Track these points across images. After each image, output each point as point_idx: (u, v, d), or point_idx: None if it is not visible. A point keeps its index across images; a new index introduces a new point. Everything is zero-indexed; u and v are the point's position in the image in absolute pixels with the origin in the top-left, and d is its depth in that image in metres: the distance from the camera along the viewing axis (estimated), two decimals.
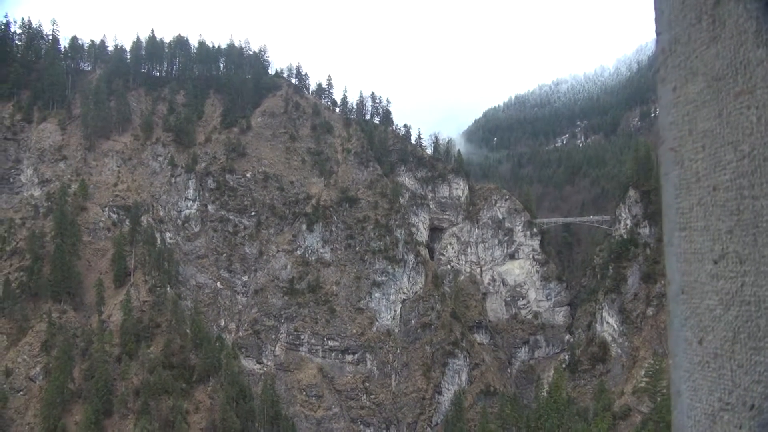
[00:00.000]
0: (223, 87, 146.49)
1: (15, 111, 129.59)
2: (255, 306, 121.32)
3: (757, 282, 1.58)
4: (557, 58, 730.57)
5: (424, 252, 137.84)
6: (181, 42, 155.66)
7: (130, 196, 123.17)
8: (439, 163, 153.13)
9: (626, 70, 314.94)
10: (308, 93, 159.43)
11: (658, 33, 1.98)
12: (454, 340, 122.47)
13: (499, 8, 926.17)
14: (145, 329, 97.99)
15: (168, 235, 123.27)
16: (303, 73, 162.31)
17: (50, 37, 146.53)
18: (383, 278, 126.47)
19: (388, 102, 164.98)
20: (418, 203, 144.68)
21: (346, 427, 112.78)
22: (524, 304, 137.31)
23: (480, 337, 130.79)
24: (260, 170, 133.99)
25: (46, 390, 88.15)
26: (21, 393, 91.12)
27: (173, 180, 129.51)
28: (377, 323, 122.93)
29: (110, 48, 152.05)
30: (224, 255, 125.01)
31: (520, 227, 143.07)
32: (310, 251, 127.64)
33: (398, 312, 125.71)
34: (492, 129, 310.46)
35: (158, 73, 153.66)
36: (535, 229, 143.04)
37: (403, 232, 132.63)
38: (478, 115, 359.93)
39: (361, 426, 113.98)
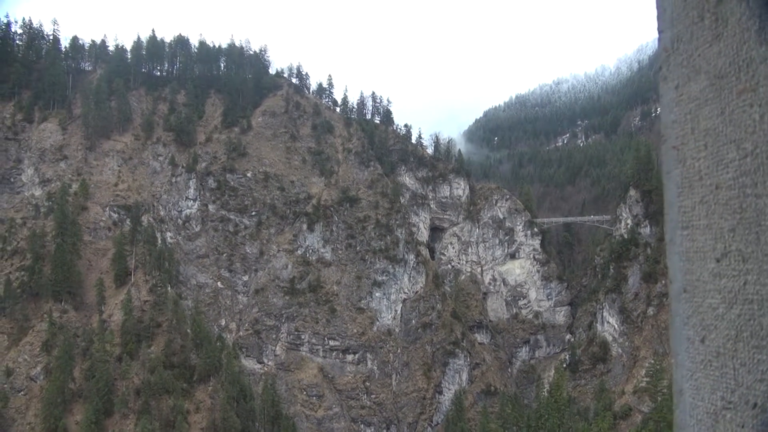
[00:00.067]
0: (223, 87, 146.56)
1: (16, 111, 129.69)
2: (256, 306, 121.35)
3: (760, 280, 1.58)
4: (558, 57, 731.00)
5: (425, 252, 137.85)
6: (181, 42, 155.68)
7: (131, 196, 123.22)
8: (439, 162, 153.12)
9: (627, 69, 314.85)
10: (309, 93, 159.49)
11: (660, 31, 1.97)
12: (454, 339, 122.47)
13: (500, 8, 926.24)
14: (145, 329, 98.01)
15: (169, 234, 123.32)
16: (303, 73, 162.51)
17: (51, 37, 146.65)
18: (384, 278, 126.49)
19: (388, 102, 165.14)
20: (418, 203, 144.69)
21: (347, 426, 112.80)
22: (525, 304, 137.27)
23: (480, 337, 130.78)
24: (261, 170, 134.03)
25: (46, 390, 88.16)
26: (22, 393, 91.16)
27: (174, 180, 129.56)
28: (378, 323, 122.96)
29: (111, 48, 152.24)
30: (225, 255, 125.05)
31: (520, 227, 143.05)
32: (310, 251, 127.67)
33: (399, 312, 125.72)
34: (493, 129, 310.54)
35: (159, 73, 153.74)
36: (535, 229, 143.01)
37: (403, 231, 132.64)
38: (479, 114, 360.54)
39: (362, 426, 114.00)
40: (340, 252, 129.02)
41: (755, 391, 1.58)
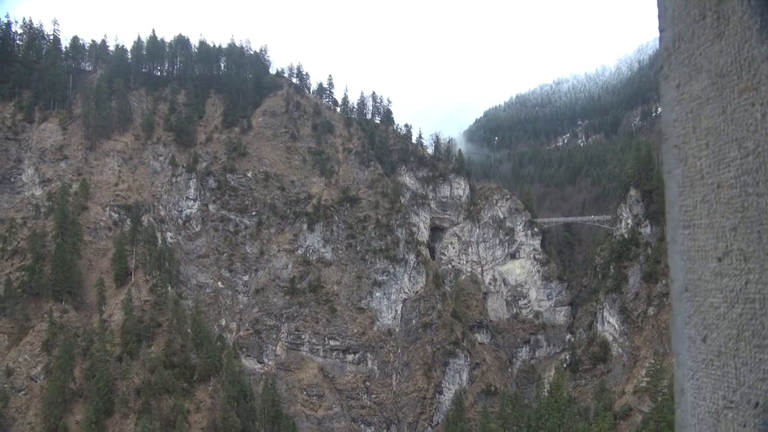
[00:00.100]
0: (224, 87, 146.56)
1: (16, 111, 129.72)
2: (256, 305, 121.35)
3: (762, 279, 1.58)
4: (558, 57, 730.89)
5: (425, 252, 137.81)
6: (182, 42, 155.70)
7: (131, 196, 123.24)
8: (440, 162, 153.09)
9: (627, 69, 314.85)
10: (309, 93, 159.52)
11: (661, 30, 1.97)
12: (455, 339, 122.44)
13: (500, 8, 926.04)
14: (146, 329, 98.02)
15: (169, 234, 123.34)
16: (304, 73, 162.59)
17: (51, 37, 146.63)
18: (384, 278, 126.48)
19: (389, 102, 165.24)
20: (419, 203, 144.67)
21: (347, 426, 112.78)
22: (525, 304, 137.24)
23: (481, 337, 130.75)
24: (261, 170, 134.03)
25: (47, 389, 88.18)
26: (22, 392, 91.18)
27: (174, 179, 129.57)
28: (378, 323, 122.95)
29: (111, 48, 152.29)
30: (225, 254, 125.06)
31: (521, 227, 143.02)
32: (311, 251, 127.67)
33: (399, 311, 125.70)
34: (493, 128, 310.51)
35: (159, 73, 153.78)
36: (536, 229, 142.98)
37: (404, 231, 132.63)
38: (479, 114, 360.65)
39: (362, 425, 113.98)
40: (340, 252, 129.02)
41: (757, 390, 1.58)
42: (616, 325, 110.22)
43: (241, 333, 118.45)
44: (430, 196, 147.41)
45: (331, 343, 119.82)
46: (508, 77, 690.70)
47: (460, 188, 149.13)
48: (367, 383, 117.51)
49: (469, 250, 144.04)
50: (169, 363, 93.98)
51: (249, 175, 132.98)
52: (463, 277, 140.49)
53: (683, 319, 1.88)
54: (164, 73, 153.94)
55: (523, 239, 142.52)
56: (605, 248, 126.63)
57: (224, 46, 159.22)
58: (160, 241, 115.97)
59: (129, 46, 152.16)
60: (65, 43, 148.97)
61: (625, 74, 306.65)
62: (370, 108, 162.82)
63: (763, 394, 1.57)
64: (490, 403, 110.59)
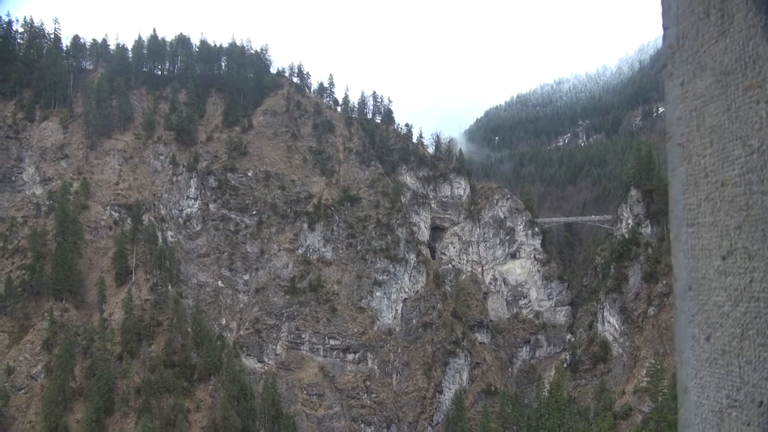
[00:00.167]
0: (224, 86, 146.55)
1: (17, 109, 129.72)
2: (256, 305, 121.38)
3: (766, 278, 1.58)
4: (559, 57, 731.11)
5: (426, 251, 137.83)
6: (182, 41, 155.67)
7: (132, 195, 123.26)
8: (440, 162, 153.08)
9: (628, 69, 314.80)
10: (310, 92, 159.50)
11: (665, 28, 1.98)
12: (455, 339, 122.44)
13: (501, 7, 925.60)
14: (146, 328, 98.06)
15: (169, 233, 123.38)
16: (304, 72, 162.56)
17: (52, 36, 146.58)
18: (384, 277, 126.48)
19: (389, 101, 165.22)
20: (419, 202, 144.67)
21: (347, 426, 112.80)
22: (525, 304, 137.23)
23: (481, 337, 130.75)
24: (262, 169, 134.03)
25: (47, 388, 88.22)
26: (22, 391, 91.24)
27: (175, 179, 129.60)
28: (378, 322, 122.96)
29: (112, 47, 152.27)
30: (225, 254, 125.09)
31: (521, 227, 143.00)
32: (311, 250, 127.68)
33: (399, 311, 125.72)
34: (494, 128, 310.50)
35: (160, 72, 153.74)
36: (536, 229, 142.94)
37: (404, 231, 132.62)
38: (480, 114, 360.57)
39: (362, 425, 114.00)
40: (340, 251, 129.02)
41: (761, 389, 1.58)
42: (617, 325, 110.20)
43: (242, 332, 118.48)
44: (431, 196, 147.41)
45: (332, 342, 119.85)
46: (508, 77, 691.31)
47: (461, 188, 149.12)
48: (368, 383, 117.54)
49: (470, 249, 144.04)
50: (169, 362, 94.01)
51: (249, 174, 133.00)
52: (464, 276, 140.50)
53: (687, 317, 1.88)
54: (165, 73, 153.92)
55: (524, 239, 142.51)
56: (606, 248, 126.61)
57: (225, 45, 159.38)
58: (160, 240, 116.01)
59: (130, 45, 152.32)
60: (66, 42, 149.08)
61: (626, 74, 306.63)
62: (371, 107, 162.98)
63: (767, 393, 1.56)
64: (490, 403, 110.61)
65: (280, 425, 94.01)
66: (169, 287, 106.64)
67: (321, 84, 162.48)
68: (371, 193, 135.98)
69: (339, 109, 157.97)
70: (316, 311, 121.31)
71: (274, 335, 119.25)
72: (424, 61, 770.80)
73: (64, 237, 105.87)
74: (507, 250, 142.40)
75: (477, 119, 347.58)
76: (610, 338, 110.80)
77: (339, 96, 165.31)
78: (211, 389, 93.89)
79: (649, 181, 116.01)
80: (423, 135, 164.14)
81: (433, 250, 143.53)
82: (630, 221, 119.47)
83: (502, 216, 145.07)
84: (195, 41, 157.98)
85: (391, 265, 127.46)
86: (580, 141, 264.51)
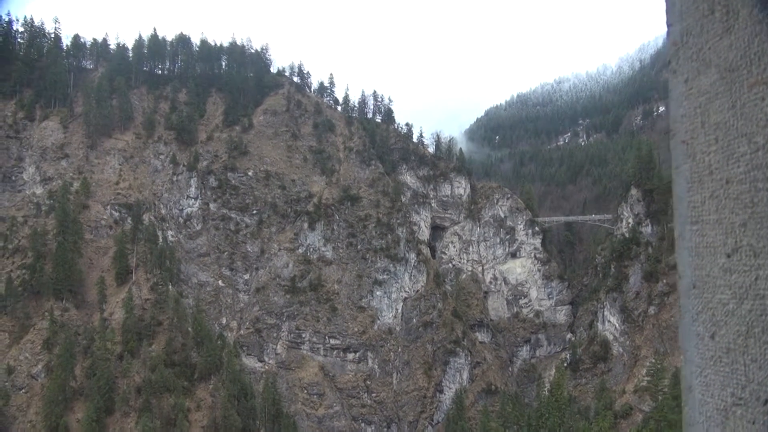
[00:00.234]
0: (225, 85, 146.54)
1: (17, 109, 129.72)
2: (256, 304, 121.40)
3: None
4: (559, 56, 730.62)
5: (426, 250, 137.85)
6: (183, 40, 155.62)
7: (132, 194, 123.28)
8: (440, 161, 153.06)
9: (629, 68, 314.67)
10: (310, 91, 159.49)
11: (669, 25, 1.97)
12: (455, 338, 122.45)
13: (501, 7, 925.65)
14: (146, 327, 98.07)
15: (170, 233, 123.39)
16: (305, 72, 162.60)
17: (52, 36, 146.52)
18: (385, 277, 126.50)
19: (390, 100, 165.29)
20: (419, 202, 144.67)
21: (348, 425, 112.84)
22: (526, 303, 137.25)
23: (481, 336, 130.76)
24: (262, 168, 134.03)
25: (47, 388, 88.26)
26: (23, 391, 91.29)
27: (175, 178, 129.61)
28: (379, 322, 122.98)
29: (112, 46, 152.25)
30: (226, 253, 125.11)
31: (521, 226, 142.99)
32: (311, 249, 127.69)
33: (400, 310, 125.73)
34: (494, 127, 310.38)
35: (160, 72, 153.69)
36: (536, 228, 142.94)
37: (404, 230, 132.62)
38: (480, 113, 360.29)
39: (363, 424, 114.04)
40: (341, 251, 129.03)
41: (766, 388, 1.57)
42: (617, 325, 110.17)
43: (242, 331, 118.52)
44: (431, 195, 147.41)
45: (332, 341, 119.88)
46: (509, 76, 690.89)
47: (461, 187, 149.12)
48: (368, 382, 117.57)
49: (470, 249, 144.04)
50: (169, 361, 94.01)
51: (250, 173, 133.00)
52: (464, 276, 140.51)
53: (691, 315, 1.87)
54: (165, 72, 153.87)
55: (524, 238, 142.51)
56: (606, 247, 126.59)
57: (225, 44, 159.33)
58: (160, 240, 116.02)
59: (130, 45, 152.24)
60: (66, 41, 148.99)
61: (627, 73, 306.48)
62: (371, 107, 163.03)
63: None
64: (490, 402, 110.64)
65: (280, 424, 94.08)
66: (170, 287, 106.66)
67: (321, 83, 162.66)
68: (371, 192, 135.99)
69: (339, 108, 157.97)
70: (316, 311, 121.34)
71: (275, 335, 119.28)
72: (424, 61, 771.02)
73: (64, 236, 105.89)
74: (507, 250, 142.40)
75: (477, 118, 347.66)
76: (611, 337, 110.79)
77: (339, 95, 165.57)
78: (212, 389, 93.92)
79: (649, 180, 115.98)
80: (423, 134, 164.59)
81: (433, 250, 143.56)
82: (630, 220, 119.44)
83: (502, 215, 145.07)
84: (195, 41, 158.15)
85: (391, 265, 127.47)
86: (581, 140, 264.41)
